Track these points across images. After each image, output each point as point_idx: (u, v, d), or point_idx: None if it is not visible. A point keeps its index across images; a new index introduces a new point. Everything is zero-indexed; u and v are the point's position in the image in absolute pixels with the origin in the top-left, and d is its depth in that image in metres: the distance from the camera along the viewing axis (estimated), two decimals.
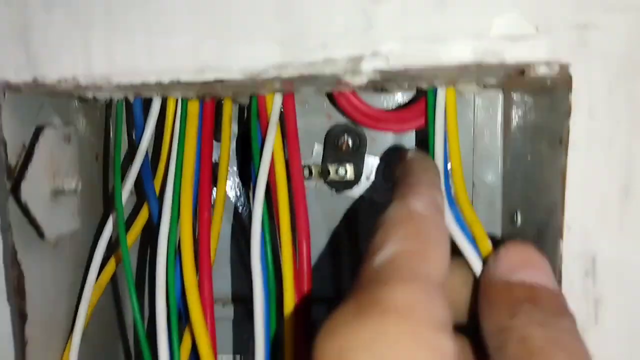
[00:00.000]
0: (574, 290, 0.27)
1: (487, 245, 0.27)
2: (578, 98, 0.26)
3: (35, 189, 0.27)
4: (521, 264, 0.23)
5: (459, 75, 0.28)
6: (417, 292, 0.18)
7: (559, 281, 0.27)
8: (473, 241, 0.27)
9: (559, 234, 0.26)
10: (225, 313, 0.40)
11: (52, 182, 0.29)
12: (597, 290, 0.27)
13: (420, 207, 0.22)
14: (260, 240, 0.30)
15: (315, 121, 0.38)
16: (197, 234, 0.31)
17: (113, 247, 0.34)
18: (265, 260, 0.31)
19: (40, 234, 0.28)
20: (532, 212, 0.31)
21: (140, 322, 0.31)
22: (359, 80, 0.26)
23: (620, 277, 0.27)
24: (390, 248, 0.20)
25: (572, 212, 0.27)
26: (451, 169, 0.30)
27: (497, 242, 0.29)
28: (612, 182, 0.27)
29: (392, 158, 0.37)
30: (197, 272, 0.30)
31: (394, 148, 0.38)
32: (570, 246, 0.27)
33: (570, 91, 0.25)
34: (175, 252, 0.31)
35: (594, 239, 0.27)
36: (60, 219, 0.30)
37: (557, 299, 0.22)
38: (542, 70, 0.25)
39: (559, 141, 0.26)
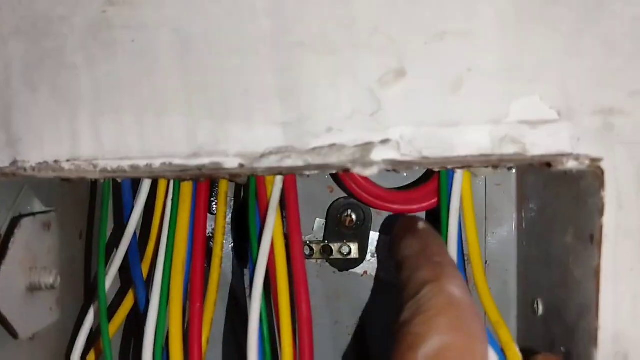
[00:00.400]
0: None
1: (514, 351, 0.24)
2: (608, 191, 0.24)
3: (8, 286, 0.24)
4: None
5: (474, 161, 0.26)
6: None
7: None
8: (497, 346, 0.24)
9: (593, 341, 0.24)
10: None
11: (28, 277, 0.26)
12: None
13: (458, 292, 0.22)
14: (258, 335, 0.28)
15: (317, 194, 0.36)
16: (187, 322, 0.28)
17: (95, 335, 0.31)
18: (263, 354, 0.28)
19: (13, 334, 0.25)
20: (557, 306, 0.28)
21: None
22: (370, 172, 0.24)
23: None
24: (435, 340, 0.20)
25: (605, 313, 0.24)
26: (468, 255, 0.28)
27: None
28: None
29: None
30: None
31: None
32: (603, 345, 0.25)
33: (603, 187, 0.23)
34: (163, 344, 0.28)
35: (627, 338, 0.25)
36: (36, 316, 0.27)
37: None
38: (571, 164, 0.23)
39: (590, 238, 0.24)
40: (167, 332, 0.28)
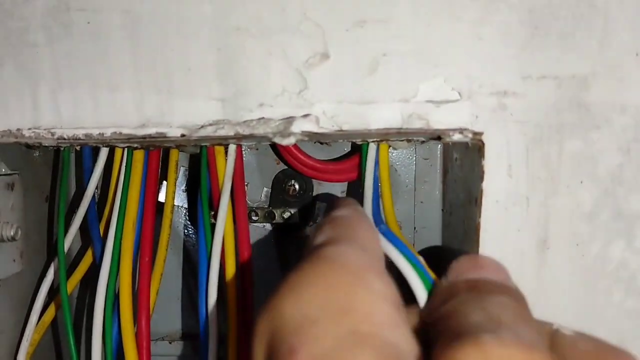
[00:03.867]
0: None
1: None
2: (497, 159, 0.28)
3: None
4: (468, 268, 0.21)
5: (387, 135, 0.30)
6: (349, 247, 0.18)
7: None
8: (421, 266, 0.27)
9: None
10: (173, 350, 0.40)
11: None
12: None
13: (343, 212, 0.22)
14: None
15: (266, 166, 0.40)
16: (137, 276, 0.32)
17: (57, 289, 0.35)
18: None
19: None
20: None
21: None
22: (287, 141, 0.27)
23: None
24: (319, 238, 0.20)
25: None
26: (384, 213, 0.31)
27: None
28: (530, 237, 0.29)
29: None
30: (134, 316, 0.31)
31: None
32: None
33: (483, 157, 0.27)
34: (115, 296, 0.32)
35: None
36: (0, 265, 0.31)
37: (499, 285, 0.19)
38: (456, 137, 0.27)
39: (475, 200, 0.27)
40: (119, 285, 0.32)
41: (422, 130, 0.27)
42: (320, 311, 0.15)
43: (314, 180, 0.39)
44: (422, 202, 0.39)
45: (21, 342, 0.32)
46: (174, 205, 0.37)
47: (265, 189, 0.40)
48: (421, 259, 0.25)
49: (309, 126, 0.27)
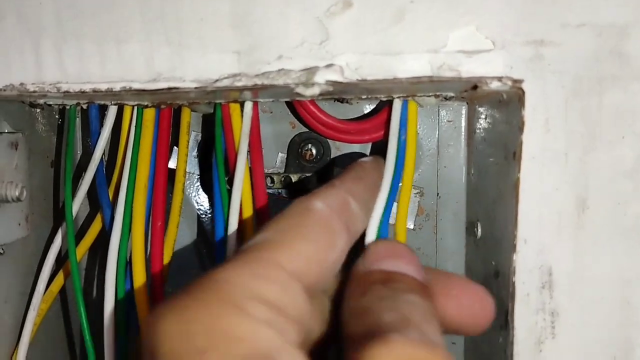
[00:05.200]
0: (530, 302, 0.27)
1: None
2: (533, 113, 0.26)
3: None
4: (385, 256, 0.23)
5: (415, 88, 0.28)
6: (241, 271, 0.18)
7: (512, 293, 0.27)
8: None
9: (513, 248, 0.26)
10: None
11: None
12: (554, 303, 0.27)
13: (319, 205, 0.21)
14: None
15: (281, 130, 0.38)
16: (150, 242, 0.30)
17: (65, 256, 0.33)
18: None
19: None
20: (491, 224, 0.31)
21: (89, 337, 0.30)
22: (311, 92, 0.25)
23: (576, 290, 0.27)
24: (259, 236, 0.20)
25: (528, 226, 0.27)
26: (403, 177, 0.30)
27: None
28: (567, 196, 0.27)
29: None
30: (148, 284, 0.29)
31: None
32: (526, 259, 0.27)
33: (523, 107, 0.25)
34: (127, 262, 0.30)
35: (551, 252, 0.27)
36: (4, 228, 0.29)
37: (411, 281, 0.21)
38: (494, 85, 0.25)
39: (513, 155, 0.26)
40: (131, 252, 0.30)
41: (456, 79, 0.25)
42: (208, 341, 0.16)
43: (331, 144, 0.37)
44: (445, 166, 0.37)
45: (28, 312, 0.30)
46: (186, 171, 0.36)
47: (280, 154, 0.38)
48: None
49: (334, 76, 0.25)
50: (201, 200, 0.39)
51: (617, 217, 0.27)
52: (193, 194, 0.39)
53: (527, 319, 0.27)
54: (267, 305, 0.18)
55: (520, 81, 0.25)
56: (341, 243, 0.21)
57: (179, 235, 0.33)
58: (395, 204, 0.28)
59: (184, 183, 0.33)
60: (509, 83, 0.25)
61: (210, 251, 0.39)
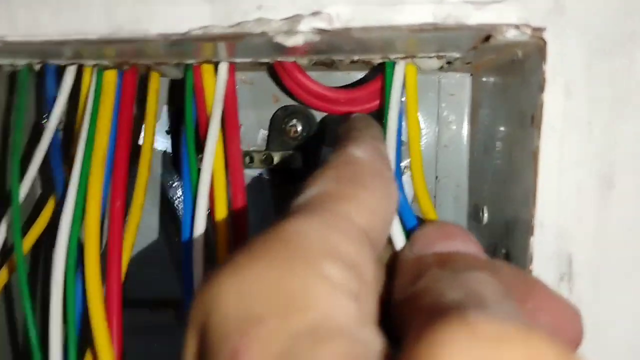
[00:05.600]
0: None
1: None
2: (553, 71, 0.22)
3: None
4: (437, 239, 0.20)
5: (416, 45, 0.24)
6: (316, 224, 0.15)
7: None
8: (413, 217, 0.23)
9: (529, 230, 0.22)
10: (152, 318, 0.35)
11: None
12: (574, 295, 0.23)
13: (360, 153, 0.19)
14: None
15: (262, 103, 0.34)
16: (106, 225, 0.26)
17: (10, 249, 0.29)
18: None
19: None
20: (500, 207, 0.27)
21: (35, 336, 0.26)
22: (293, 41, 0.21)
23: (599, 282, 0.23)
24: (314, 189, 0.17)
25: (546, 206, 0.23)
26: (409, 146, 0.26)
27: None
28: (591, 172, 0.23)
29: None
30: (103, 276, 0.25)
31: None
32: (543, 246, 0.23)
33: (545, 60, 0.21)
34: (78, 249, 0.26)
35: (570, 237, 0.24)
36: None
37: (472, 259, 0.18)
38: (511, 34, 0.21)
39: (531, 120, 0.22)
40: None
41: (465, 27, 0.21)
42: (268, 306, 0.13)
43: (318, 119, 0.33)
44: (446, 145, 0.33)
45: None
46: (155, 147, 0.32)
47: (262, 131, 0.34)
48: None
49: (321, 24, 0.21)
50: (171, 183, 0.35)
51: None
52: (164, 176, 0.35)
53: None
54: (345, 266, 0.14)
55: (541, 29, 0.21)
56: (395, 192, 0.19)
57: (146, 222, 0.29)
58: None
59: (150, 160, 0.29)
60: (528, 32, 0.21)
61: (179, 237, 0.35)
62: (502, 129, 0.26)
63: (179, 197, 0.35)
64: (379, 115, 0.27)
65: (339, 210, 0.16)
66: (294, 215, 0.16)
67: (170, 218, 0.35)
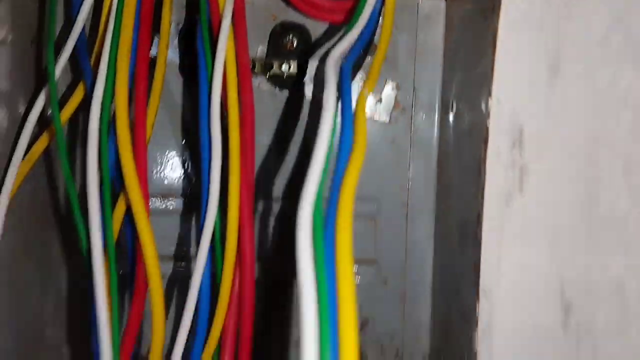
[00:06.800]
0: (502, 160, 0.28)
1: None
2: None
3: None
4: None
5: None
6: None
7: (485, 150, 0.28)
8: None
9: (486, 102, 0.27)
10: (171, 206, 0.39)
11: None
12: (524, 160, 0.28)
13: None
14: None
15: (261, 21, 0.38)
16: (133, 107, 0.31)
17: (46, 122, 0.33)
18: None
19: None
20: (466, 94, 0.32)
21: (76, 202, 0.30)
22: None
23: (545, 149, 0.28)
24: None
25: (502, 85, 0.28)
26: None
27: None
28: (541, 60, 0.28)
29: None
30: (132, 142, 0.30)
31: None
32: (499, 119, 0.28)
33: None
34: (109, 125, 0.30)
35: (522, 113, 0.28)
36: None
37: None
38: None
39: (492, 10, 0.27)
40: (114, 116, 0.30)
41: None
42: None
43: (312, 33, 0.38)
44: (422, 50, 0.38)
45: (9, 169, 0.30)
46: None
47: (260, 47, 0.39)
48: None
49: None
50: (184, 90, 0.39)
51: (587, 82, 0.28)
52: (175, 83, 0.39)
53: (497, 174, 0.28)
54: None
55: None
56: None
57: (157, 125, 0.33)
58: None
59: (166, 56, 0.33)
60: None
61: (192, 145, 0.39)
62: (469, 15, 0.31)
63: (190, 99, 0.39)
64: None
65: None
66: None
67: (184, 119, 0.39)
